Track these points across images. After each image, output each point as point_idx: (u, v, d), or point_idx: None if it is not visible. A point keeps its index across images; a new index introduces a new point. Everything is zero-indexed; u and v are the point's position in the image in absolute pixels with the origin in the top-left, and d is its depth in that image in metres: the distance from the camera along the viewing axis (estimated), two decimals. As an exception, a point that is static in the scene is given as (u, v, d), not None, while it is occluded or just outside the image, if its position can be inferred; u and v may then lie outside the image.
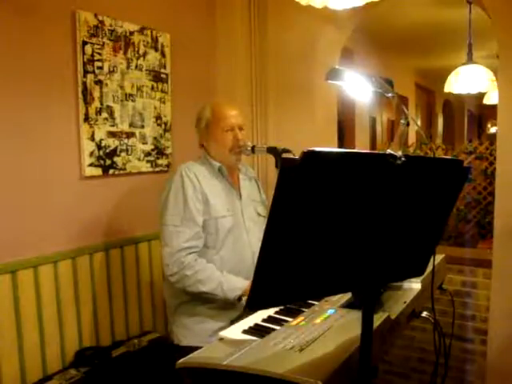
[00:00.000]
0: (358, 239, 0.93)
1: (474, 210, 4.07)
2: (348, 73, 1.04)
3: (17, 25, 1.97)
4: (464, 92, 3.80)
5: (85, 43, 2.17)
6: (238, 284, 1.75)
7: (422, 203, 1.03)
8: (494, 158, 3.92)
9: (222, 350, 1.17)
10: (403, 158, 0.90)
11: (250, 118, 2.80)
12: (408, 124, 0.97)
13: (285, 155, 1.79)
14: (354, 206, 0.89)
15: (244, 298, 1.72)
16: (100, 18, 2.23)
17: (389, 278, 1.14)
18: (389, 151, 0.90)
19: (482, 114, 10.61)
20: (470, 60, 3.61)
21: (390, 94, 0.99)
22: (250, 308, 1.01)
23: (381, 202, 0.93)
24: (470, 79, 3.59)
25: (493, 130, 10.42)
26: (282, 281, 0.88)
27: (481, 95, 4.87)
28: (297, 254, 0.86)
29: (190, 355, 1.16)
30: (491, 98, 5.25)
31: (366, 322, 1.01)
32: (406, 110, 0.97)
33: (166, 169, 2.61)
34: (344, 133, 5.02)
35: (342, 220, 0.89)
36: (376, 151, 0.97)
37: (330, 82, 1.08)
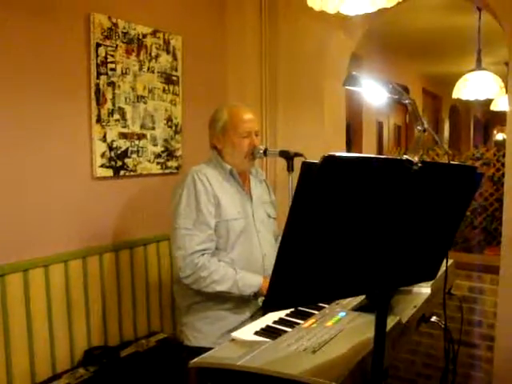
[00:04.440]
0: (373, 243, 0.94)
1: (481, 216, 4.06)
2: (365, 79, 1.05)
3: (31, 27, 1.99)
4: (472, 98, 3.81)
5: (98, 45, 2.20)
6: (253, 281, 1.77)
7: (435, 208, 1.04)
8: (501, 165, 3.91)
9: (235, 350, 1.18)
10: (420, 164, 0.91)
11: (260, 120, 2.82)
12: (425, 130, 0.98)
13: (297, 159, 1.80)
14: (370, 210, 0.90)
15: (260, 299, 1.73)
16: (114, 21, 2.26)
17: (402, 282, 1.15)
18: (405, 157, 0.91)
19: (488, 120, 10.59)
20: (478, 66, 3.62)
21: (407, 101, 1.00)
22: (266, 309, 1.03)
23: (396, 207, 0.94)
24: (478, 85, 3.60)
25: (499, 136, 10.40)
26: (298, 283, 0.89)
27: (488, 101, 4.87)
28: (314, 257, 0.88)
29: (203, 355, 1.17)
30: (498, 105, 5.25)
31: (379, 325, 1.02)
32: (422, 117, 0.99)
33: (176, 171, 2.63)
34: (351, 137, 5.03)
35: (359, 224, 0.90)
36: (392, 156, 0.98)
37: (347, 87, 1.10)
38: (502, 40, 2.35)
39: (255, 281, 1.77)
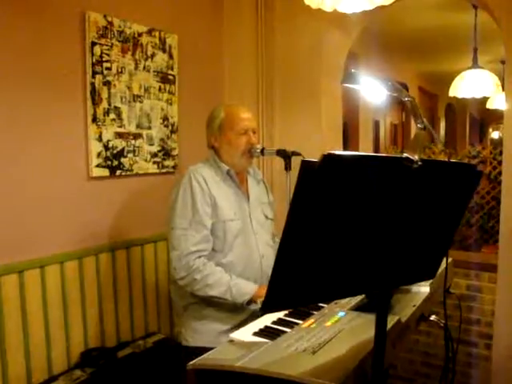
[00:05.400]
0: (373, 242, 0.93)
1: (478, 214, 4.07)
2: (364, 77, 1.04)
3: (27, 25, 1.97)
4: (469, 96, 3.81)
5: (94, 44, 2.18)
6: (247, 289, 1.75)
7: (435, 207, 1.03)
8: (498, 163, 3.92)
9: (233, 351, 1.17)
10: (420, 162, 0.90)
11: (257, 119, 2.80)
12: (424, 128, 0.97)
13: (294, 158, 1.79)
14: (369, 209, 0.89)
15: (259, 301, 1.72)
16: (109, 19, 2.24)
17: (402, 281, 1.15)
18: (405, 155, 0.90)
19: (484, 118, 10.61)
20: (475, 64, 3.62)
21: (406, 99, 0.99)
22: (265, 310, 1.01)
23: (396, 206, 0.93)
24: (475, 84, 3.60)
25: (494, 134, 10.42)
26: (298, 283, 0.88)
27: (483, 100, 4.88)
28: (313, 257, 0.87)
29: (202, 357, 1.15)
30: (494, 103, 5.26)
31: (380, 324, 1.01)
32: (421, 115, 0.98)
33: (172, 170, 2.61)
34: (348, 136, 5.02)
35: (359, 223, 0.89)
36: (392, 155, 0.97)
37: (346, 85, 1.09)
38: (499, 38, 2.35)
39: (249, 288, 1.76)
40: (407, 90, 1.00)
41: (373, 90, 1.07)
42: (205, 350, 1.18)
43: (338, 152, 0.79)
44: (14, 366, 1.95)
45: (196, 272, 1.73)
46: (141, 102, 2.42)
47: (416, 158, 0.90)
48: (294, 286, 0.88)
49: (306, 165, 0.79)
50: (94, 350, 2.20)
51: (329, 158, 0.78)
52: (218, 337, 1.77)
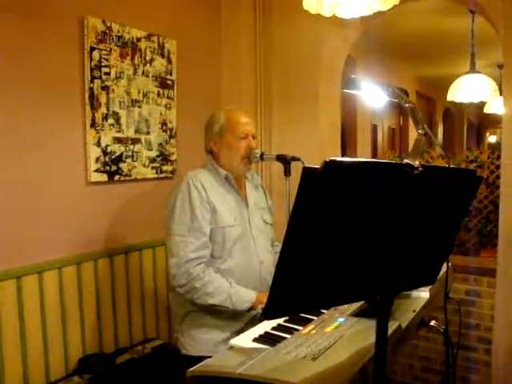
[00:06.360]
0: (374, 248, 0.93)
1: (476, 218, 4.07)
2: (365, 82, 1.04)
3: (25, 30, 1.97)
4: (466, 101, 3.82)
5: (92, 49, 2.18)
6: (247, 297, 1.74)
7: (436, 212, 1.03)
8: (495, 167, 3.92)
9: (233, 358, 1.16)
10: (420, 168, 0.90)
11: (255, 124, 2.80)
12: (426, 134, 0.97)
13: (293, 163, 1.79)
14: (371, 215, 0.89)
15: (260, 307, 1.71)
16: (108, 24, 2.24)
17: (403, 287, 1.14)
18: (406, 161, 0.90)
19: (481, 122, 10.65)
20: (472, 69, 3.64)
21: (407, 105, 0.99)
22: (267, 317, 1.01)
23: (397, 211, 0.93)
24: (472, 88, 3.61)
25: (492, 138, 10.46)
26: (299, 290, 0.88)
27: (481, 104, 4.89)
28: (315, 263, 0.86)
29: (201, 363, 1.15)
30: (492, 107, 5.28)
31: (381, 330, 1.00)
32: (422, 121, 0.98)
33: (170, 175, 2.61)
34: (346, 140, 5.02)
35: (360, 229, 0.89)
36: (393, 161, 0.97)
37: (346, 91, 1.09)
38: (496, 43, 2.36)
39: (249, 297, 1.74)
40: (407, 95, 1.00)
41: (373, 96, 1.07)
42: (203, 358, 1.17)
43: (339, 158, 0.79)
44: (12, 372, 1.94)
45: (196, 280, 1.72)
46: (139, 106, 2.42)
47: (417, 164, 0.90)
48: (296, 293, 0.88)
49: (307, 171, 0.78)
50: (92, 356, 2.19)
51: (330, 165, 0.78)
52: (218, 346, 1.75)
